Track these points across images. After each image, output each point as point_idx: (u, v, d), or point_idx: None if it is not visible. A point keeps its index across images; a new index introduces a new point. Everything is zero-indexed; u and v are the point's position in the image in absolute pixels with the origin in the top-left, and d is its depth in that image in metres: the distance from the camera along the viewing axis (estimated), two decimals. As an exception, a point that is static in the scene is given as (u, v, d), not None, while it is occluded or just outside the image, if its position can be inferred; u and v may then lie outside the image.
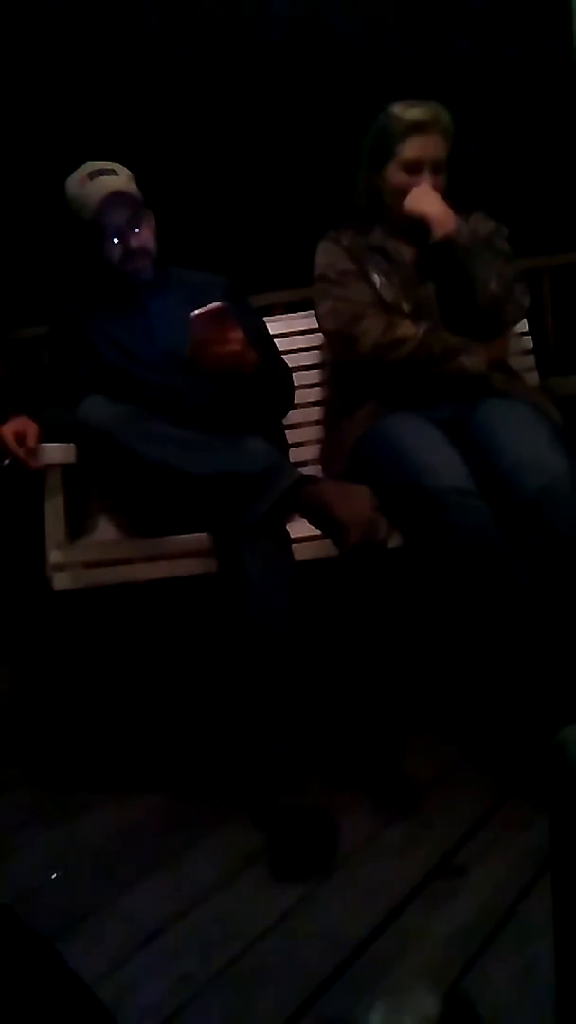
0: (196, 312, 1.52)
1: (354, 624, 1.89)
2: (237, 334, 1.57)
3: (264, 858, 1.39)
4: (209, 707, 1.83)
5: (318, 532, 1.51)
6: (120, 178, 1.80)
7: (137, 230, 1.80)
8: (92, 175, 1.79)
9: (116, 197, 1.77)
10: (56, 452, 1.61)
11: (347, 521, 1.42)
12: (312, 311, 2.03)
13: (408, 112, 1.84)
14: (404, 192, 1.84)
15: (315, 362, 2.11)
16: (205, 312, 1.52)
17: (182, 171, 2.50)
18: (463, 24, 2.53)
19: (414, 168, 1.84)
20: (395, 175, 1.86)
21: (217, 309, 1.52)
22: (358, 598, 1.86)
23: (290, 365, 1.92)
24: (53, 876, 1.44)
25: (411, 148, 1.84)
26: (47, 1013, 0.79)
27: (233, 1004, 1.11)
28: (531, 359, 2.11)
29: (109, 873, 1.42)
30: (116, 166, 1.82)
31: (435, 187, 1.84)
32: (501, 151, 2.45)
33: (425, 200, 1.82)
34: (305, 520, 1.52)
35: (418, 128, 1.83)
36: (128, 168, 1.84)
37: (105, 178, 1.79)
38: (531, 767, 1.39)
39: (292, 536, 1.53)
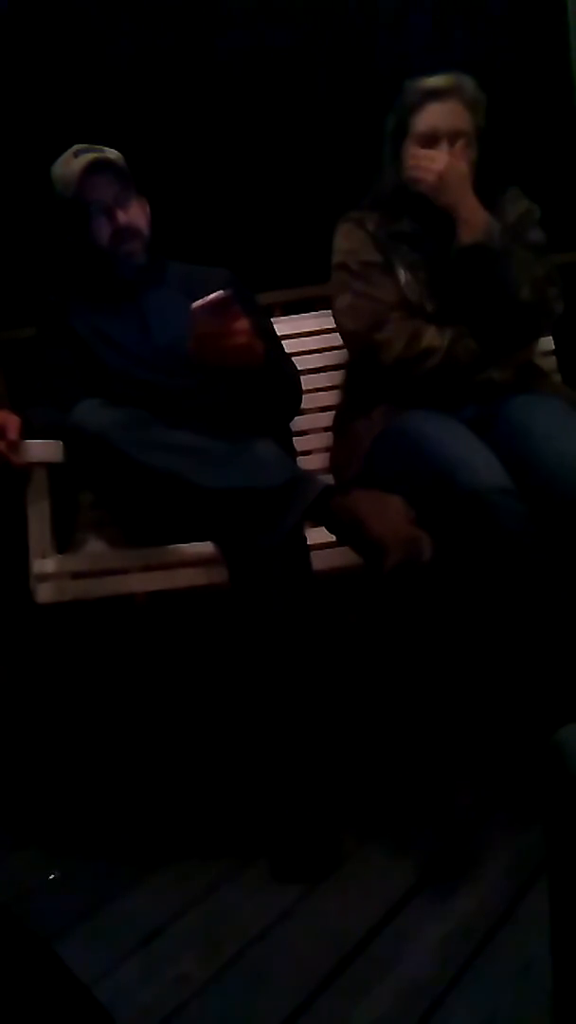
0: (197, 303, 1.41)
1: (360, 627, 1.88)
2: (243, 325, 1.46)
3: (262, 858, 1.39)
4: (208, 709, 1.83)
5: (332, 539, 1.40)
6: (106, 153, 1.73)
7: (125, 206, 1.71)
8: (77, 153, 1.72)
9: (99, 166, 1.69)
10: (41, 449, 1.51)
11: (386, 540, 1.27)
12: (320, 312, 1.95)
13: (424, 81, 1.70)
14: None
15: (322, 365, 2.00)
16: (207, 303, 1.40)
17: (180, 164, 2.48)
18: (464, 18, 2.53)
19: (428, 140, 1.68)
20: (410, 151, 1.70)
21: (220, 299, 1.40)
22: (377, 609, 1.80)
23: (297, 368, 1.81)
24: (51, 876, 1.44)
25: (425, 118, 1.69)
26: (45, 1013, 0.79)
27: (231, 1004, 1.11)
28: (553, 361, 1.99)
29: (107, 873, 1.43)
30: (105, 148, 1.75)
31: (454, 158, 1.66)
32: (500, 149, 2.44)
33: (437, 175, 1.64)
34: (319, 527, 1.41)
35: (434, 95, 1.69)
36: (124, 161, 1.77)
37: (90, 154, 1.71)
38: (529, 767, 1.39)
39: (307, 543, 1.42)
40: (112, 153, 1.75)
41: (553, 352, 2.00)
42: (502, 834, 1.39)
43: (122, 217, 1.71)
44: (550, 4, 2.52)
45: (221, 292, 1.41)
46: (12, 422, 1.50)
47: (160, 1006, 1.11)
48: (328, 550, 1.44)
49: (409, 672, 1.87)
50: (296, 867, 1.35)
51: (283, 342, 1.86)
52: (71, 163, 1.71)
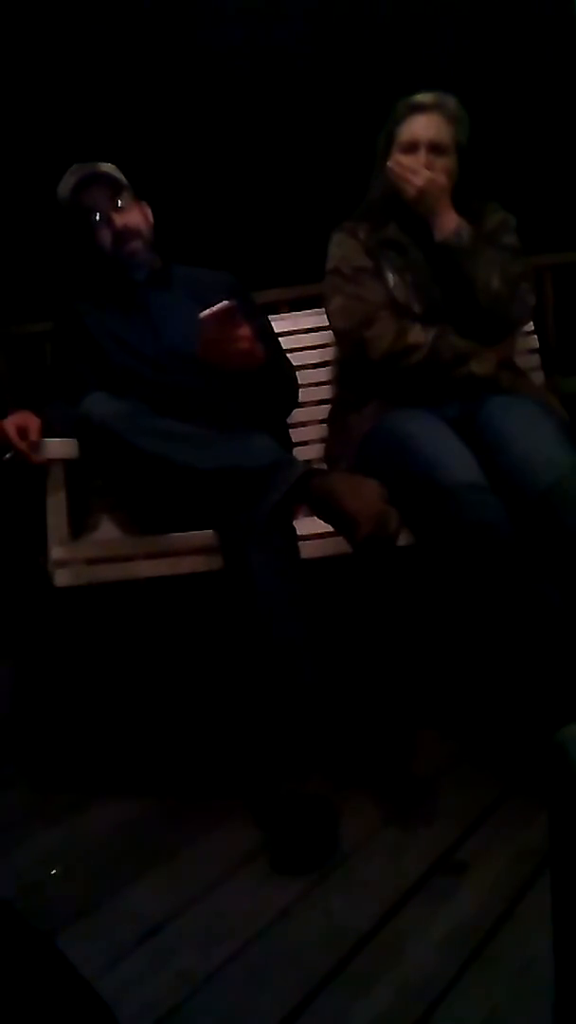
0: (205, 313, 1.53)
1: (361, 620, 1.89)
2: (246, 331, 1.57)
3: (263, 855, 1.39)
4: (209, 703, 1.84)
5: (325, 529, 1.48)
6: (97, 167, 1.85)
7: (120, 211, 1.81)
8: (72, 172, 1.85)
9: (92, 177, 1.81)
10: (58, 447, 1.60)
11: (358, 514, 1.39)
12: (317, 309, 2.01)
13: (412, 97, 1.84)
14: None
15: (320, 360, 2.09)
16: (214, 312, 1.52)
17: (184, 165, 2.49)
18: (465, 20, 2.53)
19: (409, 148, 1.81)
20: (393, 157, 1.82)
21: (226, 308, 1.52)
22: (367, 593, 1.85)
23: (295, 364, 1.91)
24: (53, 872, 1.44)
25: (408, 128, 1.82)
26: (47, 1009, 0.79)
27: (232, 1000, 1.11)
28: (536, 358, 2.09)
29: (109, 869, 1.43)
30: (98, 163, 1.87)
31: (428, 166, 1.78)
32: (501, 149, 2.44)
33: (418, 189, 1.76)
34: (312, 517, 1.50)
35: (417, 109, 1.82)
36: (129, 163, 1.88)
37: (82, 170, 1.84)
38: (531, 765, 1.39)
39: (299, 533, 1.51)
40: (104, 166, 1.87)
41: (536, 351, 2.10)
42: (503, 832, 1.40)
43: (119, 221, 1.81)
44: (557, 7, 2.53)
45: (227, 302, 1.53)
46: (33, 423, 1.60)
47: (161, 1001, 1.12)
48: (321, 540, 1.53)
49: (412, 670, 1.88)
50: (295, 858, 1.35)
51: (284, 338, 1.96)
52: (68, 181, 1.85)
